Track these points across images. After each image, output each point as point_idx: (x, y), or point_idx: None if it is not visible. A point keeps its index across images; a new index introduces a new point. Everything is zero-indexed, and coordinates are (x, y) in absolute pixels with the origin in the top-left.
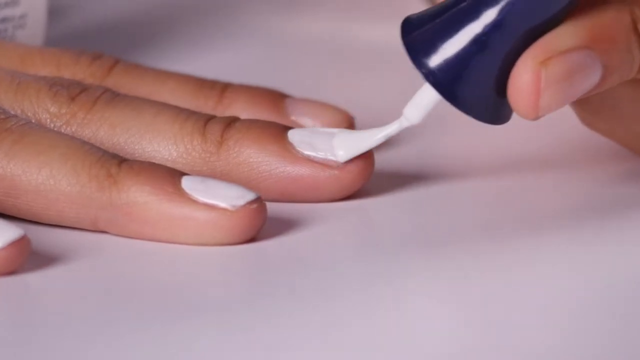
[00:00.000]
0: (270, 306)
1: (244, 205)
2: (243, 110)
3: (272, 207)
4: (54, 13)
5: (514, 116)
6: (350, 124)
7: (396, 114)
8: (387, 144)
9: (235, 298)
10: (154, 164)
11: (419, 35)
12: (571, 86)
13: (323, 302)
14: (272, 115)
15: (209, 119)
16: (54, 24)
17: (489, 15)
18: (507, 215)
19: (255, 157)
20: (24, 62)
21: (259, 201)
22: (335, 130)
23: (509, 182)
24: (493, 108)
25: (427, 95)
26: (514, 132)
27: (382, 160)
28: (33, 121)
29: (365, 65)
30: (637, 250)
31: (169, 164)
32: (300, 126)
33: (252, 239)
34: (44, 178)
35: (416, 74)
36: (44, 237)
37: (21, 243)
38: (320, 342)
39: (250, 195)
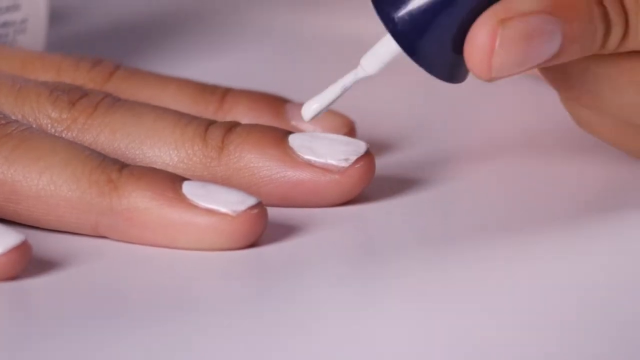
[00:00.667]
0: (271, 311)
1: (245, 211)
2: (243, 115)
3: (272, 212)
4: (54, 18)
5: (516, 121)
6: (350, 128)
7: (398, 118)
8: (387, 149)
9: (235, 303)
10: (154, 169)
11: None
12: (527, 50)
13: (323, 307)
14: (273, 120)
15: (209, 124)
16: (55, 28)
17: None
18: (508, 221)
19: (256, 162)
20: (24, 67)
21: (259, 206)
22: (337, 135)
23: (510, 187)
24: (450, 66)
25: (387, 47)
26: (514, 137)
27: (382, 165)
28: (34, 126)
29: None
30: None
31: (169, 169)
32: (300, 131)
33: (253, 244)
34: (45, 183)
35: (419, 79)
36: (44, 242)
37: (22, 248)
38: (321, 347)
39: (251, 201)
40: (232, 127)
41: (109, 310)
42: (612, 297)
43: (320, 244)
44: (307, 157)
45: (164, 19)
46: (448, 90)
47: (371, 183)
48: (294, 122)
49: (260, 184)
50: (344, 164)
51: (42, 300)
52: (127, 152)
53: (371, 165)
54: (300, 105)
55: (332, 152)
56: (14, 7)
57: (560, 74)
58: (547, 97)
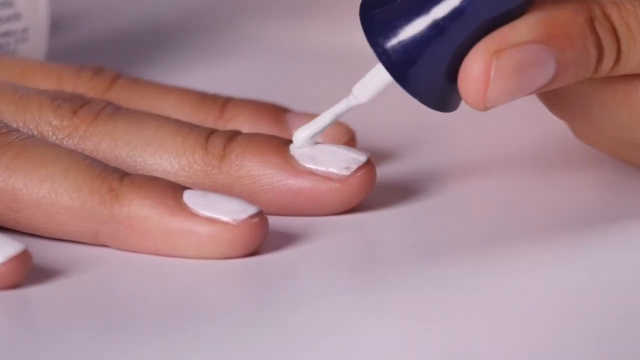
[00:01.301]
0: (271, 319)
1: (246, 219)
2: (244, 124)
3: (273, 221)
4: (55, 27)
5: (516, 131)
6: (351, 137)
7: (398, 128)
8: (388, 158)
9: (236, 311)
10: (155, 178)
11: (377, 14)
12: (522, 79)
13: (323, 316)
14: (273, 129)
15: (210, 132)
16: (56, 38)
17: (452, 3)
18: (508, 229)
19: (257, 170)
20: (25, 76)
21: (260, 215)
22: (337, 145)
23: (511, 195)
24: (442, 95)
25: (379, 76)
26: (514, 147)
27: (383, 174)
28: (35, 134)
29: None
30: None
31: (170, 177)
32: None
33: (254, 252)
34: (45, 192)
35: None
36: (45, 251)
37: (22, 258)
38: (321, 355)
39: (251, 209)
40: (233, 135)
41: (109, 319)
42: (613, 307)
43: (321, 252)
44: (308, 165)
45: (165, 28)
46: None
47: (372, 192)
48: (294, 131)
49: (261, 192)
50: (345, 173)
51: (42, 308)
52: (128, 160)
53: (372, 174)
54: (301, 114)
55: (333, 160)
56: (15, 17)
57: (553, 95)
58: (546, 108)
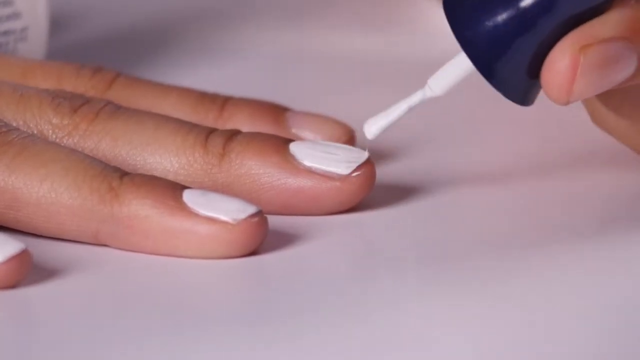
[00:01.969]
0: (270, 320)
1: (245, 219)
2: (243, 123)
3: (273, 221)
4: (55, 26)
5: (518, 131)
6: (350, 137)
7: (398, 127)
8: (387, 157)
9: (235, 311)
10: (155, 177)
11: (462, 6)
12: (606, 75)
13: (323, 316)
14: (273, 128)
15: (210, 131)
16: (56, 37)
17: None
18: (509, 229)
19: (257, 169)
20: (25, 76)
21: (260, 214)
22: (337, 143)
23: (511, 195)
24: (524, 89)
25: (459, 67)
26: (516, 146)
27: (383, 174)
28: (35, 132)
29: (365, 77)
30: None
31: (170, 176)
32: (301, 139)
33: (253, 252)
34: (45, 191)
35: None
36: (44, 250)
37: (22, 257)
38: (320, 355)
39: (251, 209)
40: (233, 135)
41: (109, 319)
42: (614, 308)
43: (320, 252)
44: (308, 164)
45: (164, 28)
46: (449, 99)
47: (372, 191)
48: (294, 130)
49: (261, 191)
50: (345, 172)
51: (42, 308)
52: (128, 159)
53: (372, 173)
54: (300, 113)
55: (333, 159)
56: (15, 16)
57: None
58: (551, 107)
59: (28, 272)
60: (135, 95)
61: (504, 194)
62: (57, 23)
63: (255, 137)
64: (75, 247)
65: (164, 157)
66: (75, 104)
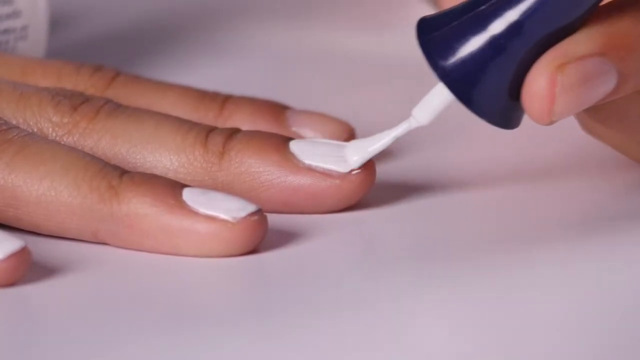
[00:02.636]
0: (270, 318)
1: (245, 217)
2: (244, 122)
3: (272, 219)
4: (55, 25)
5: (518, 129)
6: (350, 135)
7: (396, 124)
8: (387, 155)
9: (235, 310)
10: (155, 175)
11: (435, 36)
12: (586, 92)
13: (323, 314)
14: (273, 126)
15: (210, 130)
16: (55, 35)
17: (509, 19)
18: (509, 228)
19: (257, 167)
20: (24, 74)
21: (259, 213)
22: (337, 141)
23: (511, 194)
24: (505, 112)
25: (439, 97)
26: (515, 143)
27: (383, 172)
28: (35, 130)
29: (365, 76)
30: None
31: (170, 175)
32: (300, 137)
33: (253, 250)
34: (45, 189)
35: (419, 85)
36: (44, 248)
37: (21, 254)
38: (321, 353)
39: (251, 207)
40: (233, 133)
41: (108, 317)
42: (614, 309)
43: (320, 250)
44: (308, 162)
45: (164, 26)
46: None
47: (372, 189)
48: (294, 129)
49: (260, 189)
50: (345, 170)
51: (42, 306)
52: (128, 157)
53: (372, 171)
54: (300, 111)
55: (333, 157)
56: (15, 14)
57: None
58: None
59: (28, 269)
60: (134, 93)
61: (504, 192)
62: (56, 22)
63: (255, 136)
64: (74, 245)
65: (163, 156)
66: (75, 102)
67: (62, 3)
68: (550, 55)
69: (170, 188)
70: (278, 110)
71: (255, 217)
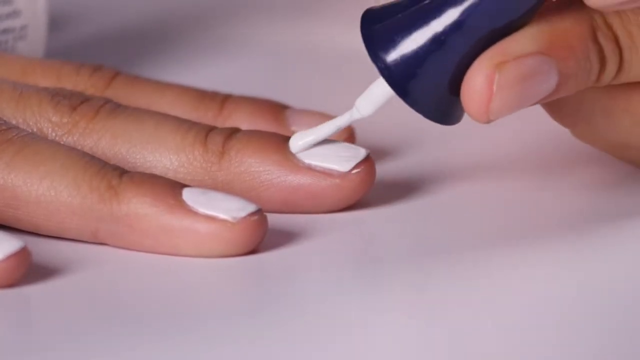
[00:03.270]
0: (271, 318)
1: (245, 217)
2: (243, 121)
3: (272, 219)
4: (54, 25)
5: (516, 129)
6: (349, 134)
7: (397, 125)
8: (387, 155)
9: (235, 309)
10: (155, 175)
11: (378, 29)
12: (524, 91)
13: (323, 314)
14: (273, 126)
15: (210, 129)
16: (55, 35)
17: (451, 15)
18: (508, 227)
19: (257, 166)
20: (24, 74)
21: (259, 213)
22: (336, 141)
23: (510, 193)
24: (445, 108)
25: (381, 89)
26: (513, 142)
27: (382, 171)
28: (34, 130)
29: (365, 75)
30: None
31: (170, 174)
32: None
33: (253, 250)
34: (45, 189)
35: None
36: (44, 249)
37: (21, 255)
38: (320, 354)
39: (251, 207)
40: (232, 132)
41: (108, 318)
42: (613, 307)
43: (320, 250)
44: (307, 161)
45: (164, 27)
46: None
47: (371, 189)
48: (293, 128)
49: (260, 189)
50: (345, 169)
51: (41, 307)
52: (128, 157)
53: (372, 170)
54: (300, 111)
55: (333, 156)
56: (14, 14)
57: (555, 103)
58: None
59: (27, 270)
60: (134, 93)
61: (504, 191)
62: (56, 22)
63: (255, 135)
64: (74, 245)
65: (163, 155)
66: (75, 102)
67: (61, 3)
68: (489, 53)
69: (170, 188)
70: (277, 109)
71: (255, 217)
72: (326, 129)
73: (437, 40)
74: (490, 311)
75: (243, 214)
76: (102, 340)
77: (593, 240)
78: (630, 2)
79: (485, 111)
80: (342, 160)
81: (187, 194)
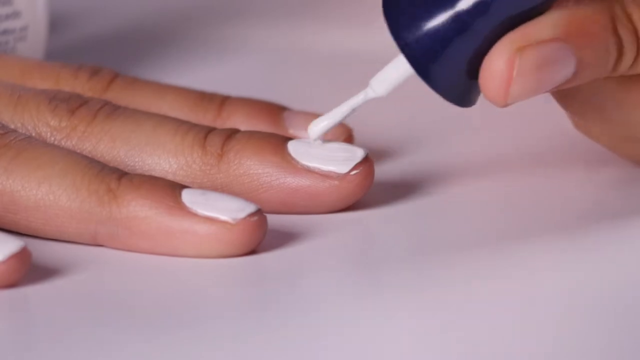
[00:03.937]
0: (269, 319)
1: (244, 218)
2: (241, 123)
3: (271, 219)
4: (54, 25)
5: (516, 128)
6: (348, 135)
7: (397, 125)
8: (386, 155)
9: (234, 310)
10: (153, 177)
11: (401, 8)
12: (543, 77)
13: (323, 314)
14: (270, 128)
15: (209, 131)
16: (55, 36)
17: None
18: (507, 226)
19: (256, 168)
20: (23, 76)
21: (259, 213)
22: (335, 142)
23: (509, 192)
24: (462, 90)
25: (399, 69)
26: (514, 144)
27: (381, 172)
28: (33, 134)
29: (364, 76)
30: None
31: (169, 177)
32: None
33: (252, 251)
34: (44, 194)
35: (418, 85)
36: (43, 250)
37: (22, 255)
38: (320, 354)
39: (250, 208)
40: (231, 134)
41: (108, 318)
42: (614, 304)
43: (319, 250)
44: (306, 163)
45: (162, 27)
46: None
47: (370, 189)
48: (291, 130)
49: (259, 191)
50: (343, 170)
51: (42, 308)
52: (126, 160)
53: (370, 171)
54: (298, 112)
55: (332, 158)
56: (14, 15)
57: (567, 91)
58: (547, 105)
59: (27, 270)
60: (133, 95)
61: (503, 191)
62: (56, 22)
63: (253, 136)
64: (74, 246)
65: (162, 158)
66: (73, 105)
67: (61, 4)
68: (510, 37)
69: (169, 190)
70: (276, 111)
71: (255, 218)
72: (340, 111)
73: (461, 22)
74: (490, 310)
75: (242, 214)
76: (101, 341)
77: (594, 240)
78: None
79: (504, 95)
80: (341, 161)
81: (186, 195)
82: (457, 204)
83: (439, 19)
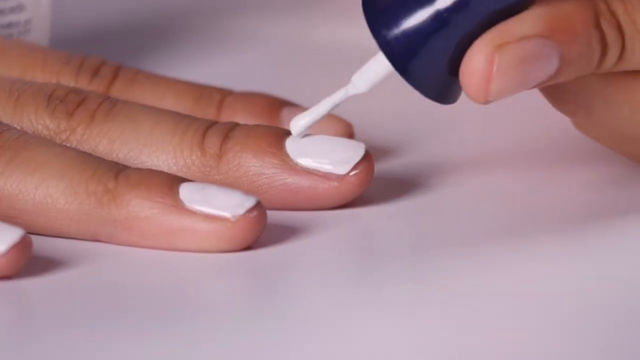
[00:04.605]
0: (268, 314)
1: (244, 214)
2: (242, 120)
3: (270, 215)
4: (58, 18)
5: (515, 125)
6: (348, 131)
7: (396, 122)
8: (386, 153)
9: (233, 305)
10: (151, 171)
11: (380, 4)
12: (524, 74)
13: (322, 310)
14: (271, 124)
15: (207, 127)
16: (58, 28)
17: None
18: (506, 223)
19: (255, 170)
20: (25, 72)
21: (258, 207)
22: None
23: (509, 190)
24: (442, 87)
25: (379, 66)
26: (513, 141)
27: (381, 169)
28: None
29: None
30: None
31: None
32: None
33: (251, 246)
34: (41, 197)
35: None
36: (43, 243)
37: (22, 244)
38: (318, 349)
39: (249, 202)
40: (229, 131)
41: (108, 311)
42: (613, 302)
43: (318, 246)
44: (305, 163)
45: (166, 21)
46: None
47: (370, 186)
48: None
49: (259, 191)
50: (343, 171)
51: (42, 300)
52: (125, 162)
53: (370, 169)
54: (298, 108)
55: (331, 157)
56: (19, 8)
57: (555, 90)
58: (547, 103)
59: (28, 259)
60: (133, 94)
61: (502, 188)
62: (59, 15)
63: (251, 134)
64: (73, 240)
65: (161, 160)
66: (71, 106)
67: None
68: (491, 33)
69: (168, 186)
70: (275, 107)
71: (254, 213)
72: (322, 108)
73: (440, 19)
74: (491, 308)
75: (242, 210)
76: (101, 333)
77: (594, 239)
78: None
79: (484, 92)
80: (340, 162)
81: (185, 191)
82: (456, 201)
83: (418, 16)
